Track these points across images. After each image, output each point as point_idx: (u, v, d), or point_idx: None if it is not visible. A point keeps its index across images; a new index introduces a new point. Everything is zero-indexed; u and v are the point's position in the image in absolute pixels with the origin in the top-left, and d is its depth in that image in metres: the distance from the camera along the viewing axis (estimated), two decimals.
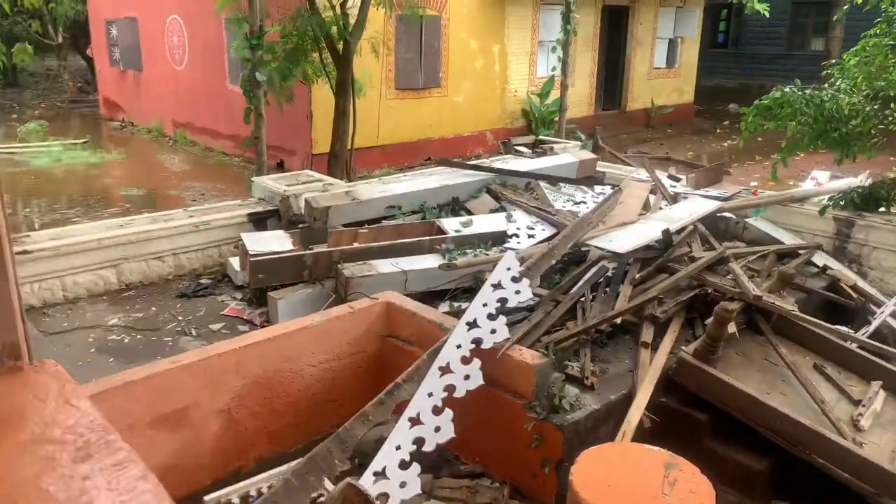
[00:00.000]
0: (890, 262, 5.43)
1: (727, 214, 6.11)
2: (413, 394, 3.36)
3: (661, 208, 5.74)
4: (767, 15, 13.69)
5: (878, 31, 6.09)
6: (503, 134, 14.52)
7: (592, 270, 4.70)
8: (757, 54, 22.81)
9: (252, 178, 6.08)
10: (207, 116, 14.71)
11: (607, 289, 4.56)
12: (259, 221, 5.52)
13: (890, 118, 5.67)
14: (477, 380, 3.38)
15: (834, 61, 6.35)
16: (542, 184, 6.58)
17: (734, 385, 3.73)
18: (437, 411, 3.27)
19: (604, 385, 3.81)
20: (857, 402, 3.95)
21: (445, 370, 3.43)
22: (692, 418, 3.87)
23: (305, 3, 8.13)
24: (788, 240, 5.86)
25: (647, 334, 4.21)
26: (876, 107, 5.64)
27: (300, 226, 5.22)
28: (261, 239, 4.71)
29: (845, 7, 6.84)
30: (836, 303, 5.17)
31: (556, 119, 14.58)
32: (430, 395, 3.34)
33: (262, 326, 4.30)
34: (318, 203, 5.10)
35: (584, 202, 6.15)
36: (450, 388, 3.35)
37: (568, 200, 6.33)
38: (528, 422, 3.38)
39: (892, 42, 5.63)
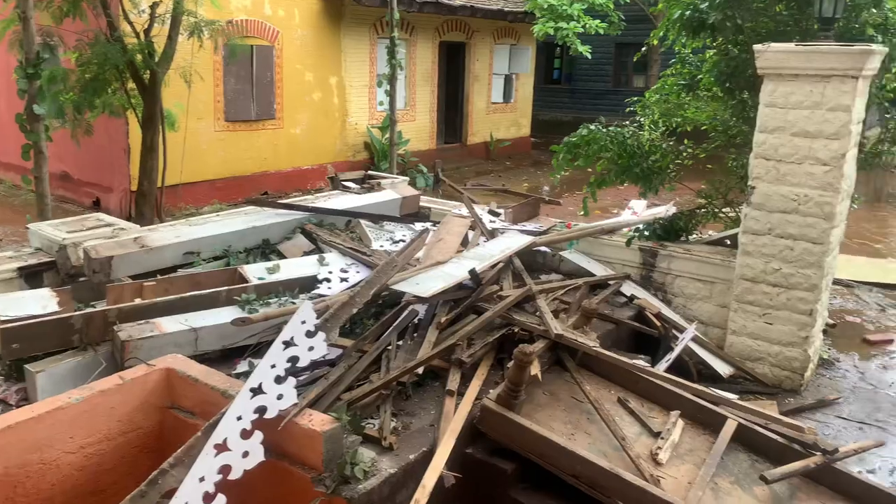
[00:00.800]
0: (690, 289, 5.64)
1: (543, 248, 6.14)
2: (182, 480, 2.92)
3: (477, 245, 5.65)
4: (589, 56, 14.46)
5: (673, 71, 6.43)
6: (345, 167, 14.21)
7: (403, 315, 4.47)
8: (588, 90, 24.20)
9: (28, 225, 5.33)
10: (13, 151, 13.23)
11: (415, 334, 4.33)
12: (33, 276, 4.81)
13: (684, 153, 5.95)
14: (257, 456, 2.99)
15: (636, 99, 6.64)
16: (364, 222, 6.32)
17: (535, 431, 3.59)
18: (207, 498, 2.85)
19: (405, 443, 3.54)
20: (657, 435, 3.96)
21: (222, 447, 3.02)
22: (497, 469, 3.70)
23: (105, 28, 7.46)
24: (600, 271, 5.96)
25: (454, 381, 4.01)
26: (671, 143, 5.90)
27: (80, 279, 4.60)
28: (19, 300, 4.05)
29: (643, 49, 7.18)
30: (642, 332, 5.29)
31: (399, 153, 14.50)
32: (202, 479, 2.91)
33: (19, 406, 3.66)
34: (98, 253, 4.51)
35: (403, 240, 5.94)
36: (225, 469, 2.94)
37: (389, 240, 6.10)
38: (316, 497, 3.04)
39: (683, 81, 5.94)
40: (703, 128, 6.06)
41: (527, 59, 19.09)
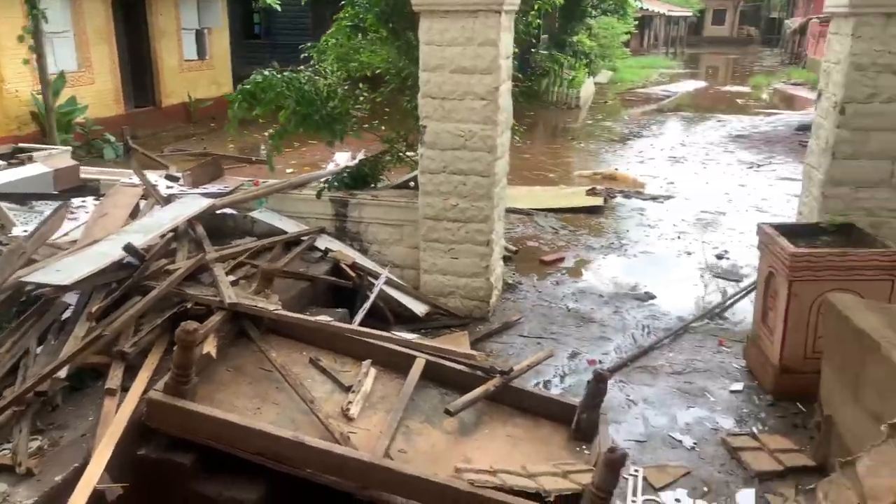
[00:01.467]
0: (383, 235, 5.58)
1: (230, 211, 5.63)
2: None
3: (146, 216, 4.95)
4: (279, 9, 13.81)
5: (344, 15, 6.17)
6: (12, 142, 11.95)
7: (49, 311, 3.71)
8: (288, 44, 23.33)
9: None
10: None
11: (62, 332, 3.62)
12: None
13: (361, 98, 5.80)
14: None
15: (310, 45, 6.30)
16: (4, 204, 5.21)
17: (208, 414, 3.19)
18: None
19: (51, 464, 2.91)
20: (349, 389, 3.81)
21: None
22: (174, 464, 3.25)
23: None
24: (294, 228, 5.64)
25: (115, 377, 3.41)
26: (346, 87, 5.69)
27: None
28: None
29: None
30: (338, 285, 5.11)
31: (78, 120, 12.56)
32: None
33: None
34: None
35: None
36: None
37: (41, 221, 5.09)
38: None
39: (349, 23, 5.72)
40: (377, 71, 5.96)
41: (217, 13, 17.74)
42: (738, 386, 4.36)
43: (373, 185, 5.87)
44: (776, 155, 12.35)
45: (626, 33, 27.97)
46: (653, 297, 6.02)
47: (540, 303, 5.89)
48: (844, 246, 4.06)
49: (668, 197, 9.50)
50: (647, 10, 33.84)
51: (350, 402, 3.67)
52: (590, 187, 9.58)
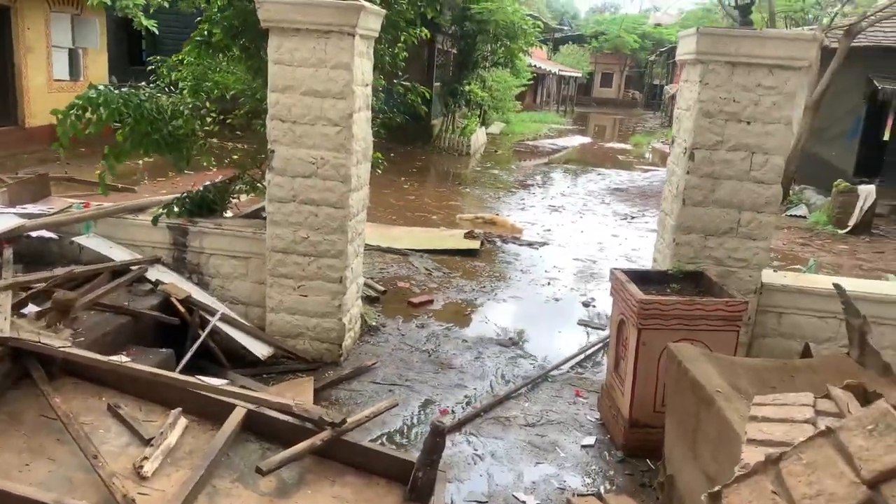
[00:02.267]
0: (227, 268, 5.06)
1: (50, 234, 4.95)
2: None
3: None
4: (157, 31, 13.11)
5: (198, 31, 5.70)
6: None
7: None
8: None
9: None
10: None
11: None
12: None
13: (208, 117, 5.32)
14: None
15: (158, 58, 5.79)
16: None
17: None
18: None
19: None
20: (149, 441, 3.25)
21: None
22: None
23: None
24: (124, 256, 5.02)
25: None
26: (190, 105, 5.20)
27: None
28: None
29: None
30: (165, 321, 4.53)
31: None
32: None
33: None
34: None
35: None
36: None
37: None
38: None
39: (199, 38, 5.27)
40: (232, 92, 5.52)
41: (94, 33, 16.67)
42: (590, 440, 4.12)
43: (220, 214, 5.36)
44: (650, 208, 12.76)
45: (521, 87, 28.95)
46: (516, 342, 5.79)
47: (401, 347, 5.51)
48: (693, 294, 3.96)
49: (544, 243, 9.47)
50: (540, 68, 35.24)
51: (146, 458, 3.11)
52: (468, 231, 9.41)
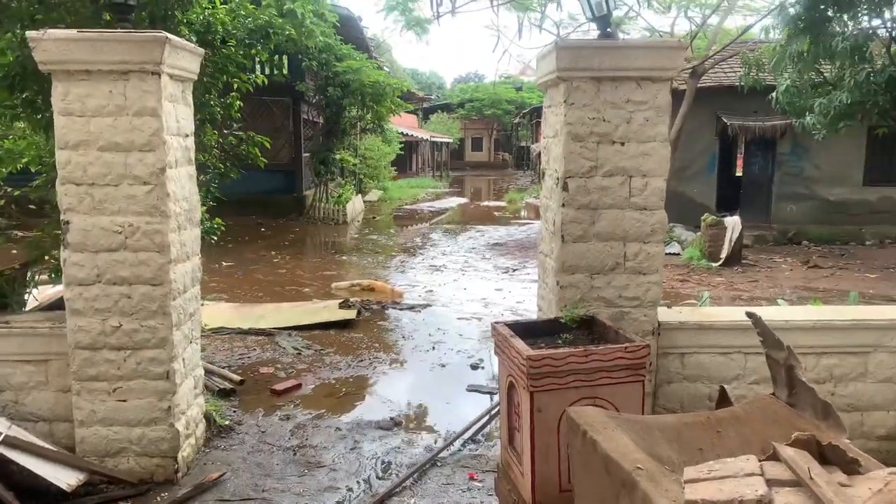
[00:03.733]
0: (19, 377, 3.99)
1: None
2: None
3: None
4: None
5: None
6: None
7: None
8: None
9: None
10: None
11: None
12: None
13: None
14: None
15: None
16: None
17: None
18: None
19: None
20: None
21: None
22: None
23: None
24: None
25: None
26: None
27: None
28: None
29: None
30: None
31: None
32: None
33: None
34: None
35: None
36: None
37: None
38: None
39: None
40: (25, 160, 4.54)
41: None
42: None
43: (12, 309, 4.29)
44: (529, 259, 12.49)
45: (394, 154, 28.88)
46: (399, 423, 4.99)
47: (259, 448, 4.56)
48: (587, 343, 3.38)
49: (426, 305, 8.81)
50: (413, 135, 35.58)
51: None
52: (343, 300, 8.60)
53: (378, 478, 4.12)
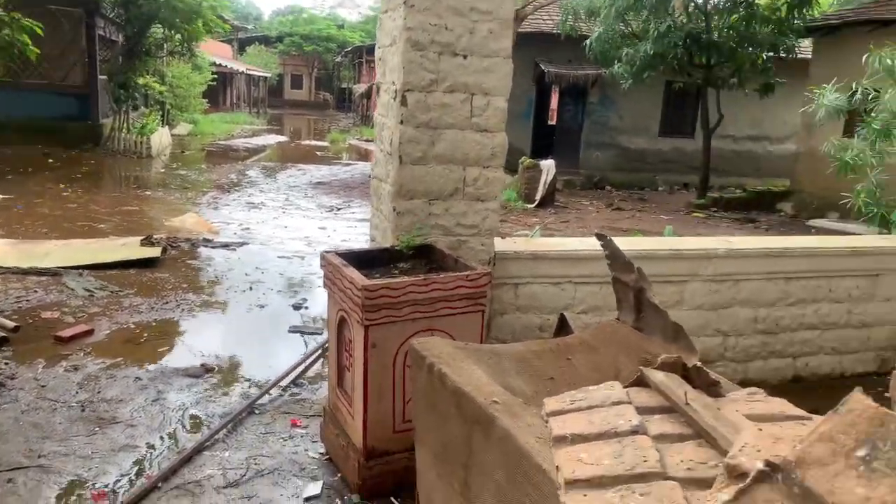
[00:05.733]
0: None
1: None
2: None
3: None
4: None
5: None
6: None
7: None
8: None
9: None
10: None
11: None
12: None
13: None
14: None
15: None
16: None
17: None
18: None
19: None
20: None
21: None
22: None
23: None
24: None
25: None
26: None
27: None
28: None
29: None
30: None
31: None
32: None
33: None
34: None
35: None
36: None
37: None
38: None
39: None
40: None
41: None
42: (315, 488, 3.00)
43: None
44: (354, 199, 12.04)
45: (206, 83, 26.50)
46: (210, 370, 4.42)
47: (38, 405, 3.79)
48: (425, 272, 3.08)
49: (242, 243, 8.07)
50: (227, 66, 32.91)
51: None
52: (145, 236, 7.60)
53: (186, 431, 3.58)
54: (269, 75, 43.74)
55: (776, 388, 3.97)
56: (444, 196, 3.43)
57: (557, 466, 1.42)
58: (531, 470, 1.53)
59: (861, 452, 0.83)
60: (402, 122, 3.24)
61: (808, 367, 4.57)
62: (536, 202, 12.63)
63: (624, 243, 4.48)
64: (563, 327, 2.87)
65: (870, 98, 5.08)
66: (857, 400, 0.87)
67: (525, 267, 3.84)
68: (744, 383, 2.02)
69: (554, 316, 3.58)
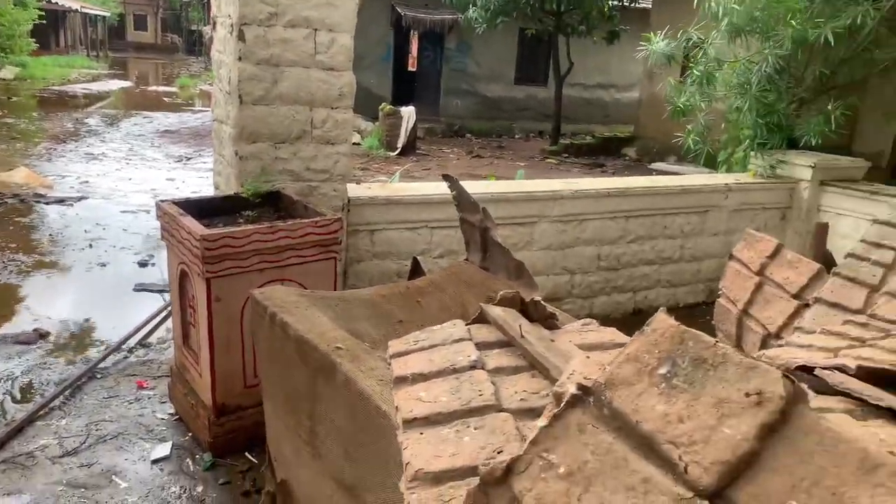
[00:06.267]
0: None
1: None
2: None
3: None
4: None
5: None
6: None
7: None
8: None
9: None
10: None
11: None
12: None
13: None
14: None
15: None
16: None
17: None
18: None
19: None
20: None
21: None
22: None
23: None
24: None
25: None
26: None
27: None
28: None
29: None
30: None
31: None
32: None
33: None
34: None
35: None
36: None
37: None
38: None
39: None
40: None
41: None
42: (164, 449, 2.83)
43: None
44: (206, 148, 11.30)
45: (30, 22, 23.62)
46: (45, 335, 4.02)
47: None
48: (273, 220, 2.93)
49: (81, 198, 7.36)
50: (57, 3, 29.42)
51: None
52: None
53: (15, 401, 3.24)
54: (108, 14, 39.68)
55: (618, 321, 4.25)
56: (291, 139, 3.25)
57: (397, 407, 1.40)
58: (372, 412, 1.49)
59: (662, 370, 0.86)
60: (240, 59, 3.00)
61: (646, 300, 4.91)
62: (398, 150, 12.52)
63: (478, 187, 4.55)
64: (416, 271, 2.85)
65: (696, 45, 5.38)
66: (661, 320, 0.90)
67: (380, 213, 3.78)
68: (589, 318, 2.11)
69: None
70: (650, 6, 13.92)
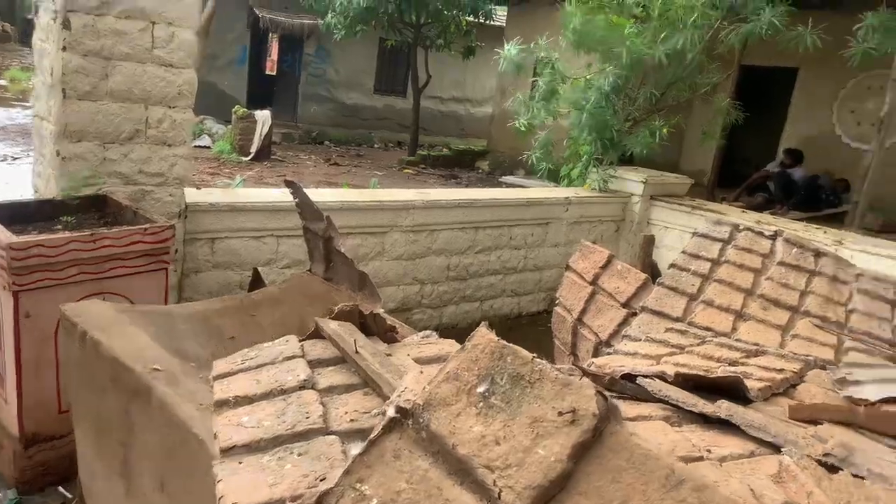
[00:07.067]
0: None
1: None
2: None
3: None
4: None
5: None
6: None
7: None
8: None
9: None
10: None
11: None
12: None
13: None
14: None
15: None
16: None
17: None
18: None
19: None
20: None
21: None
22: None
23: None
24: None
25: None
26: None
27: None
28: None
29: None
30: None
31: None
32: None
33: None
34: None
35: None
36: None
37: None
38: None
39: None
40: None
41: None
42: None
43: None
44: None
45: None
46: None
47: None
48: (97, 226, 2.64)
49: None
50: None
51: None
52: None
53: None
54: None
55: (466, 331, 4.28)
56: (123, 139, 2.96)
57: (216, 434, 1.27)
58: (190, 440, 1.35)
59: (481, 388, 0.84)
60: (64, 49, 2.69)
61: (493, 309, 5.03)
62: (252, 155, 12.01)
63: (330, 195, 4.43)
64: (256, 282, 2.69)
65: (545, 59, 5.60)
66: (481, 335, 0.87)
67: (222, 220, 3.55)
68: (439, 328, 2.09)
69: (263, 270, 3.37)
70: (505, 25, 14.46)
